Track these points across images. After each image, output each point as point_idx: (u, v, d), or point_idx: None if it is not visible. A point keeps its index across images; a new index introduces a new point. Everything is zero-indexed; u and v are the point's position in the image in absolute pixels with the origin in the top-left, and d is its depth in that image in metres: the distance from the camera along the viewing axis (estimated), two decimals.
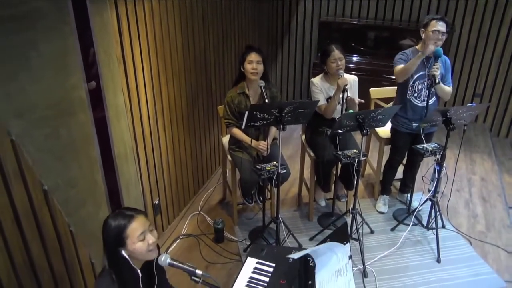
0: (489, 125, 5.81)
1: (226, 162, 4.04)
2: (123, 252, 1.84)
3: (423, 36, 3.43)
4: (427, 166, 4.49)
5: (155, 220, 3.54)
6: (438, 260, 3.42)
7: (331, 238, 2.23)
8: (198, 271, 1.85)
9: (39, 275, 2.16)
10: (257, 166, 3.12)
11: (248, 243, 3.60)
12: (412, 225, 3.75)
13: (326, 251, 2.12)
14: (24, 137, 1.99)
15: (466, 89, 5.76)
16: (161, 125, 3.40)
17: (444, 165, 3.43)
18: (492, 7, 5.22)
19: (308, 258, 2.08)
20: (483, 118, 5.84)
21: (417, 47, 3.57)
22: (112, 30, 2.59)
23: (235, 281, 2.14)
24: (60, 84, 2.20)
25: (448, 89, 3.56)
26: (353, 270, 2.48)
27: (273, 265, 2.21)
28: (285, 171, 3.18)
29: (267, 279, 2.12)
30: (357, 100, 3.45)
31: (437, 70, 3.34)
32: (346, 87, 3.28)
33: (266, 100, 3.11)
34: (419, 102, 3.57)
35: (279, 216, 3.35)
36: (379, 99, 4.36)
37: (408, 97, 3.58)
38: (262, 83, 3.20)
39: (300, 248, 3.37)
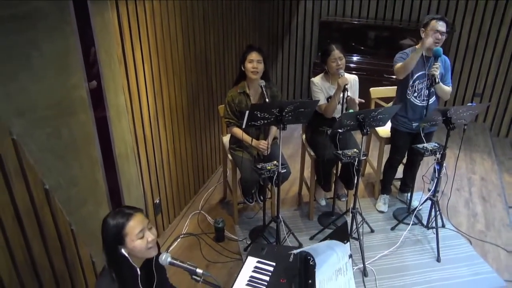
0: (489, 125, 5.82)
1: (226, 161, 4.05)
2: (123, 251, 1.85)
3: (423, 35, 3.44)
4: (427, 165, 4.50)
5: (156, 219, 3.55)
6: (438, 259, 3.42)
7: (332, 237, 2.24)
8: (199, 270, 1.86)
9: (40, 273, 2.17)
10: (258, 166, 3.12)
11: (249, 242, 3.61)
12: (412, 224, 3.76)
13: (326, 250, 2.13)
14: (26, 137, 2.00)
15: (466, 88, 5.77)
16: (162, 124, 3.41)
17: (444, 164, 3.43)
18: (492, 7, 5.23)
19: (308, 257, 2.09)
20: (483, 118, 5.85)
21: (417, 46, 3.57)
22: (113, 30, 2.60)
23: (235, 280, 2.14)
24: (61, 84, 2.20)
25: (448, 89, 3.57)
26: (353, 269, 2.49)
27: (274, 264, 2.21)
28: (285, 170, 3.19)
29: (267, 278, 2.12)
30: (357, 100, 3.46)
31: (437, 70, 3.35)
32: (346, 86, 3.28)
33: (267, 100, 3.12)
34: (419, 101, 3.58)
35: (280, 215, 3.36)
36: (379, 98, 4.36)
37: (408, 97, 3.59)
38: (263, 83, 3.21)
39: (300, 247, 3.38)
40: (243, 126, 2.92)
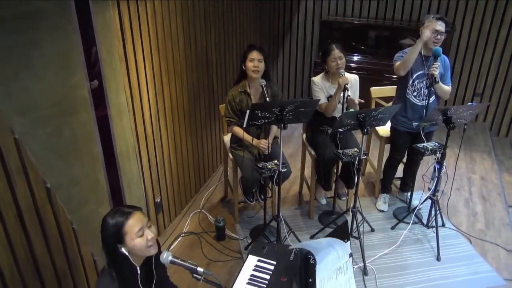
0: (489, 124, 5.82)
1: (227, 160, 4.06)
2: (123, 249, 1.85)
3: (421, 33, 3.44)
4: (427, 164, 4.50)
5: (157, 218, 3.56)
6: (438, 258, 3.43)
7: (332, 236, 2.25)
8: (200, 269, 1.86)
9: (41, 272, 2.18)
10: (258, 165, 3.13)
11: (249, 241, 3.61)
12: (412, 223, 3.76)
13: (327, 247, 2.14)
14: (27, 135, 2.00)
15: (466, 88, 5.77)
16: (163, 123, 3.42)
17: (444, 164, 3.44)
18: (492, 7, 5.23)
19: (309, 256, 2.09)
20: (483, 117, 5.85)
21: None
22: (115, 29, 2.61)
23: (236, 278, 2.15)
24: (62, 83, 2.21)
25: (447, 88, 3.58)
26: (353, 268, 2.50)
27: (274, 263, 2.22)
28: (286, 169, 3.19)
29: (268, 277, 2.13)
30: (357, 100, 3.46)
31: (436, 69, 3.36)
32: (347, 86, 3.29)
33: (267, 99, 3.13)
34: (418, 101, 3.59)
35: (280, 214, 3.36)
36: (379, 98, 4.37)
37: (408, 96, 3.60)
38: (263, 82, 3.22)
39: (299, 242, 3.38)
40: (244, 125, 2.93)
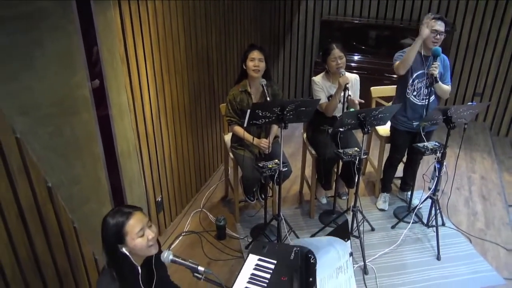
0: (489, 124, 5.83)
1: (228, 160, 4.07)
2: (124, 249, 1.86)
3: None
4: (427, 164, 4.51)
5: (158, 217, 3.57)
6: (438, 258, 3.44)
7: (332, 235, 2.26)
8: (200, 268, 1.87)
9: (43, 270, 2.18)
10: (259, 164, 3.14)
11: (250, 240, 3.62)
12: (413, 222, 3.77)
13: (327, 246, 2.14)
14: (29, 135, 2.01)
15: (466, 88, 5.78)
16: (164, 123, 3.43)
17: (445, 163, 3.44)
18: (492, 7, 5.23)
19: (309, 255, 2.10)
20: (483, 117, 5.86)
21: None
22: (116, 29, 2.61)
23: (237, 277, 2.15)
24: (64, 83, 2.22)
25: (447, 87, 3.58)
26: (353, 267, 2.51)
27: (275, 262, 2.22)
28: (286, 169, 3.20)
29: (268, 276, 2.13)
30: (357, 100, 3.46)
31: (436, 69, 3.36)
32: (347, 85, 3.29)
33: (268, 98, 3.13)
34: (418, 101, 3.59)
35: (281, 214, 3.37)
36: (380, 97, 4.38)
37: (408, 96, 3.60)
38: (264, 82, 3.22)
39: (301, 246, 3.39)
40: (245, 125, 2.93)
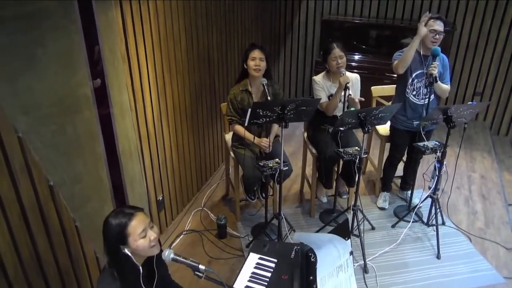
0: (489, 123, 5.84)
1: (229, 159, 4.08)
2: (126, 250, 1.87)
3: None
4: (427, 163, 4.52)
5: (159, 216, 3.58)
6: (438, 257, 3.45)
7: (333, 234, 2.27)
8: (201, 266, 1.87)
9: (45, 269, 2.19)
10: (260, 163, 3.14)
11: (251, 239, 3.63)
12: (413, 221, 3.78)
13: (327, 244, 2.15)
14: (31, 134, 2.01)
15: (466, 87, 5.78)
16: (165, 122, 3.43)
17: (445, 162, 3.45)
18: (492, 6, 5.24)
19: (310, 254, 2.11)
20: (483, 116, 5.86)
21: None
22: (117, 29, 2.62)
23: (237, 276, 2.16)
24: (65, 82, 2.22)
25: (446, 87, 3.59)
26: (354, 266, 2.52)
27: (275, 260, 2.24)
28: (287, 168, 3.21)
29: (269, 275, 2.15)
30: (357, 98, 3.47)
31: (435, 69, 3.37)
32: (347, 85, 3.30)
33: (269, 98, 3.14)
34: (417, 100, 3.60)
35: (281, 213, 3.38)
36: (380, 97, 4.38)
37: (407, 95, 3.61)
38: (265, 81, 3.23)
39: (301, 244, 3.40)
40: (246, 124, 2.94)
